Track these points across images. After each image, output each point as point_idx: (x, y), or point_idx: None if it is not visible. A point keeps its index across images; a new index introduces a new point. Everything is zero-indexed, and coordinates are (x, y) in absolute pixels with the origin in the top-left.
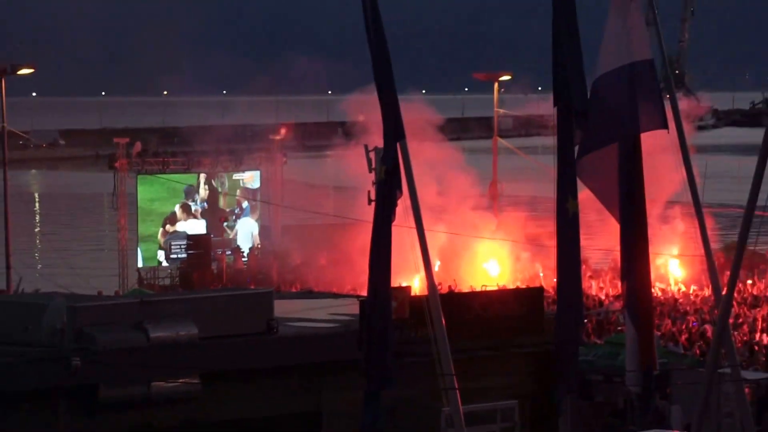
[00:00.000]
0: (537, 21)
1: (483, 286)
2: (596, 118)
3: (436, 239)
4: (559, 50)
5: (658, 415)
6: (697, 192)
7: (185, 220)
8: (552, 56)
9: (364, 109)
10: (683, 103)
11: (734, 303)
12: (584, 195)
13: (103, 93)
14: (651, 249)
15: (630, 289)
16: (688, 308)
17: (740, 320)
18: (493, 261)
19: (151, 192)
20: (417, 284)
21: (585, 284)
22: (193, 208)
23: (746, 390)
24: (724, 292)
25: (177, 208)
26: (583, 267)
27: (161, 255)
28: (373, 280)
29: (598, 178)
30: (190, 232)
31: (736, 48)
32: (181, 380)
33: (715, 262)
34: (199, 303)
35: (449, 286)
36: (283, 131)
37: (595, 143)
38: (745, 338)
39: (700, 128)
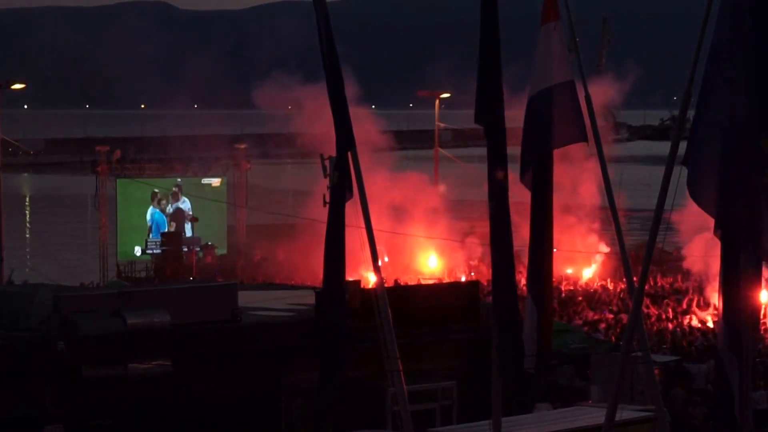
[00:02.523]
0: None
1: (421, 279)
2: (527, 136)
3: (383, 237)
4: (483, 73)
5: (580, 393)
6: (612, 196)
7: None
8: (477, 78)
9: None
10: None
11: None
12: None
13: (87, 106)
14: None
15: (534, 280)
16: (606, 300)
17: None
18: (433, 257)
19: (128, 194)
20: (371, 278)
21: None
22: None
23: (656, 371)
24: (636, 286)
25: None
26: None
27: (137, 250)
28: (328, 274)
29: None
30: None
31: (648, 71)
32: (154, 362)
33: (629, 259)
34: (171, 293)
35: (395, 280)
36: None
37: (526, 158)
38: (654, 327)
39: (617, 141)
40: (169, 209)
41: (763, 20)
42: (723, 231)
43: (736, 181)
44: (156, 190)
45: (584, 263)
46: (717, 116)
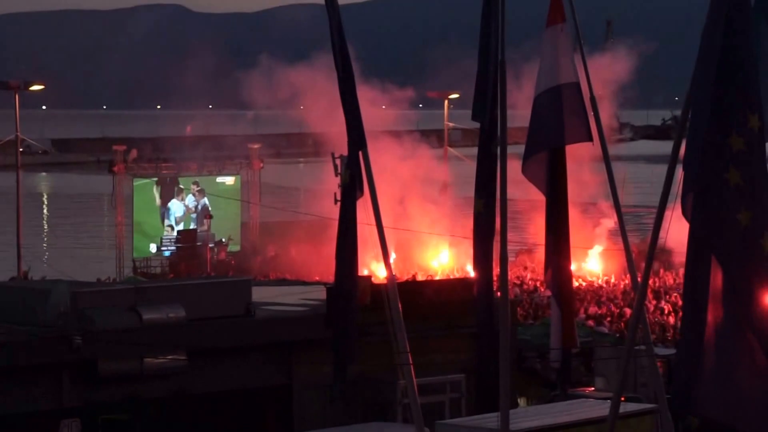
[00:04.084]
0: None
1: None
2: (532, 131)
3: (395, 234)
4: (482, 74)
5: (583, 385)
6: (617, 194)
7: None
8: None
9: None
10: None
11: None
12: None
13: (104, 107)
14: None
15: (554, 277)
16: (611, 296)
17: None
18: (445, 252)
19: (145, 193)
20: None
21: (521, 273)
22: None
23: (659, 364)
24: (640, 280)
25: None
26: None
27: (153, 247)
28: (339, 270)
29: (533, 177)
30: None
31: (650, 71)
32: (169, 357)
33: (632, 254)
34: (186, 289)
35: (413, 275)
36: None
37: (530, 151)
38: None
39: (620, 141)
40: (195, 204)
41: (738, 20)
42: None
43: (702, 176)
44: (182, 186)
45: (589, 259)
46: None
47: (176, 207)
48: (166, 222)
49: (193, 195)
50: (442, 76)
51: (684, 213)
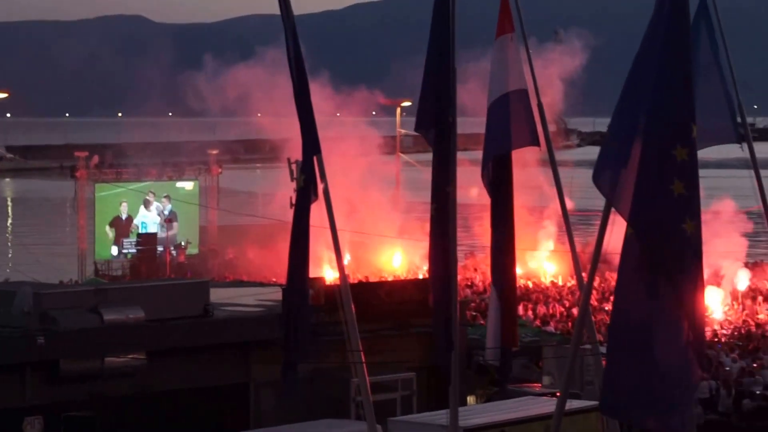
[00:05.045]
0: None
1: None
2: (487, 140)
3: (349, 237)
4: (427, 83)
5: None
6: (563, 198)
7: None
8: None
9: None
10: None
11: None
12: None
13: (67, 114)
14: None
15: (498, 277)
16: (558, 296)
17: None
18: (397, 255)
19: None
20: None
21: (470, 275)
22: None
23: (603, 362)
24: (585, 281)
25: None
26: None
27: (114, 250)
28: (292, 271)
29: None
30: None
31: (598, 80)
32: (130, 356)
33: (578, 257)
34: (146, 290)
35: (366, 277)
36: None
37: (486, 158)
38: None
39: (567, 147)
40: (164, 211)
41: (676, 27)
42: (635, 232)
43: (648, 187)
44: (148, 197)
45: (538, 260)
46: (636, 122)
47: (148, 217)
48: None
49: (160, 203)
50: (400, 84)
51: (623, 215)
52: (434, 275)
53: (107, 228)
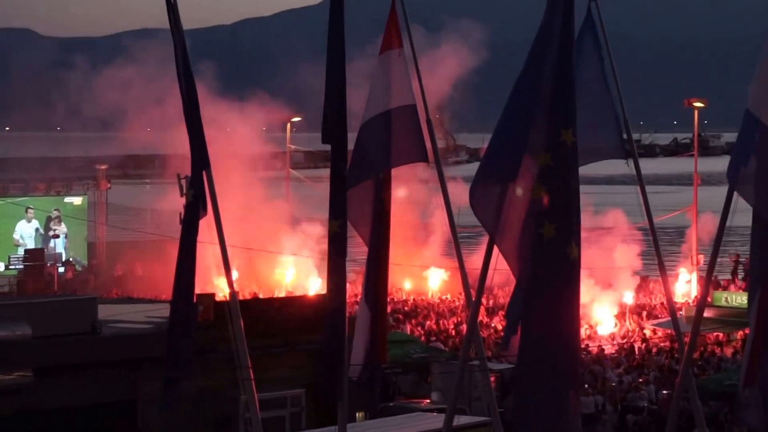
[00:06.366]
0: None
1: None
2: (358, 158)
3: (239, 253)
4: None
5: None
6: (452, 214)
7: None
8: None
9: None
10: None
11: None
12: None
13: None
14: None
15: (370, 291)
16: (447, 313)
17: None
18: (288, 271)
19: None
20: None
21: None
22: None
23: (492, 378)
24: (474, 298)
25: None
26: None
27: (0, 266)
28: (178, 287)
29: (355, 206)
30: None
31: (485, 96)
32: (16, 373)
33: (467, 274)
34: (32, 307)
35: (255, 293)
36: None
37: (355, 178)
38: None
39: (457, 163)
40: (51, 225)
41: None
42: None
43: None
44: (29, 213)
45: (426, 277)
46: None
47: (24, 231)
48: (18, 241)
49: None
50: (291, 99)
51: (484, 224)
52: (332, 290)
53: None
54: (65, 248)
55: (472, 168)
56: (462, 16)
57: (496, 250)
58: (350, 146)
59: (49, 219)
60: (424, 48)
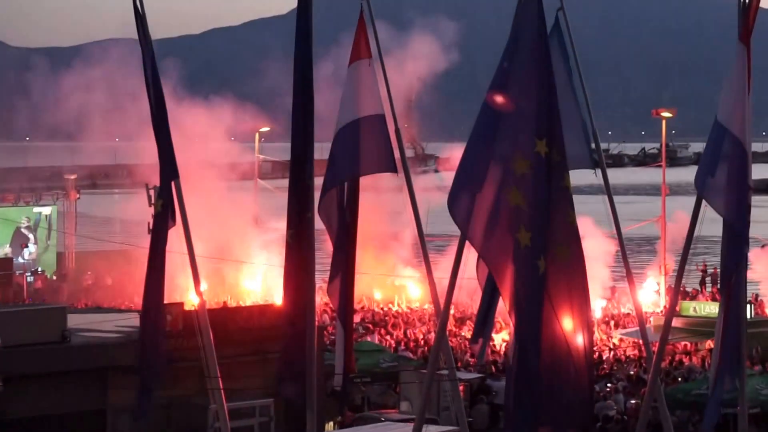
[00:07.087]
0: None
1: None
2: (333, 165)
3: (208, 262)
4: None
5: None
6: (420, 224)
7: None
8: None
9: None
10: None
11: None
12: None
13: None
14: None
15: (340, 304)
16: (416, 322)
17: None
18: (256, 280)
19: None
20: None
21: (328, 300)
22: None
23: (461, 387)
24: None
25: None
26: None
27: None
28: (148, 297)
29: (325, 214)
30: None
31: (455, 105)
32: None
33: (435, 283)
34: (2, 316)
35: (224, 302)
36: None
37: (326, 186)
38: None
39: (425, 172)
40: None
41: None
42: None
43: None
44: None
45: (396, 288)
46: (492, 146)
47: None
48: None
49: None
50: (259, 109)
51: (462, 230)
52: (288, 301)
53: None
54: (33, 259)
55: (447, 177)
56: (431, 15)
57: (464, 259)
58: (324, 156)
59: (18, 229)
60: (392, 48)
